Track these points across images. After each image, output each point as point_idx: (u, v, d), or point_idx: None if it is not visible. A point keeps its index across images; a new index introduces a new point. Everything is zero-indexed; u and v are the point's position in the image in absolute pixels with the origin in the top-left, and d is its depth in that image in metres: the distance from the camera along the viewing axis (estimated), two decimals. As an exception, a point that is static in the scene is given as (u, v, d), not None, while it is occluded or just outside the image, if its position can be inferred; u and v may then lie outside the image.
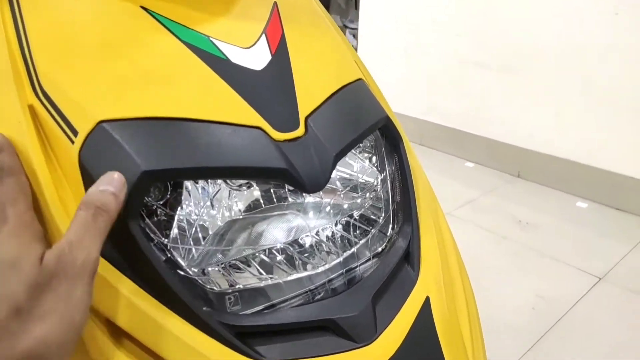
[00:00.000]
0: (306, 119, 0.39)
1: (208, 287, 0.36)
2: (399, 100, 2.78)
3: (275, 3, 0.47)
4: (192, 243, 0.38)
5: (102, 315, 0.33)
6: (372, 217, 0.45)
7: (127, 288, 0.33)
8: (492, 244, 1.89)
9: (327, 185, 0.38)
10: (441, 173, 2.46)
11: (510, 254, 1.83)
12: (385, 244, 0.44)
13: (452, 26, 2.45)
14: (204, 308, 0.34)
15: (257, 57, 0.41)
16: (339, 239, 0.43)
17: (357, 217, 0.45)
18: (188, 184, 0.38)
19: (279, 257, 0.41)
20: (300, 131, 0.38)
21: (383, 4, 2.75)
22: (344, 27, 4.36)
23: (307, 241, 0.43)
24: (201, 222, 0.39)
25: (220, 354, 0.32)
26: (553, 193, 2.24)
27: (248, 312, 0.37)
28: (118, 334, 0.33)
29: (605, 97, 2.00)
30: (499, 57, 2.29)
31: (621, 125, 1.99)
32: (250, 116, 0.37)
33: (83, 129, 0.35)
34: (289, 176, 0.36)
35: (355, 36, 3.94)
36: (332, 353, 0.35)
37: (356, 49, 3.14)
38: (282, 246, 0.41)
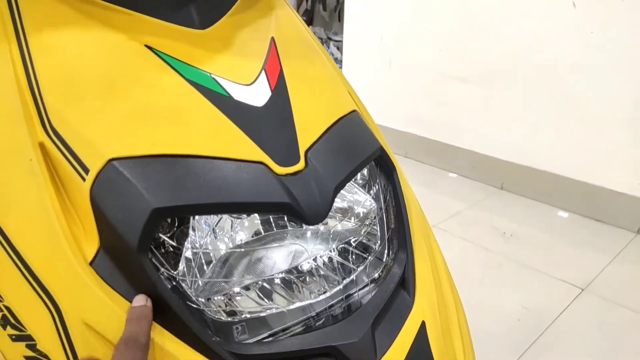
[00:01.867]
0: (306, 152, 0.41)
1: (216, 317, 0.38)
2: (383, 112, 2.82)
3: (272, 38, 0.49)
4: (197, 274, 0.39)
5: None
6: (369, 243, 0.47)
7: (140, 322, 0.34)
8: (477, 256, 1.93)
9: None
10: (426, 186, 2.50)
11: (495, 266, 1.86)
12: (381, 270, 0.45)
13: (434, 41, 2.50)
14: (214, 338, 0.35)
15: (258, 94, 0.42)
16: (338, 265, 0.45)
17: (354, 244, 0.47)
18: (194, 218, 0.39)
19: (279, 283, 0.43)
20: (300, 165, 0.40)
21: (367, 18, 2.80)
22: (328, 40, 4.41)
23: (306, 267, 0.45)
24: (205, 252, 0.41)
25: (230, 383, 0.34)
26: (535, 205, 2.29)
27: (253, 340, 0.38)
28: None
29: (581, 112, 2.06)
30: (480, 71, 2.35)
31: (597, 138, 2.05)
32: (253, 152, 0.39)
33: (94, 167, 0.36)
34: (291, 210, 0.37)
35: (339, 48, 3.99)
36: (335, 379, 0.36)
37: (340, 62, 3.18)
38: (282, 275, 0.43)
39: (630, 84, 1.90)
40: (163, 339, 0.34)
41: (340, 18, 4.39)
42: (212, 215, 0.41)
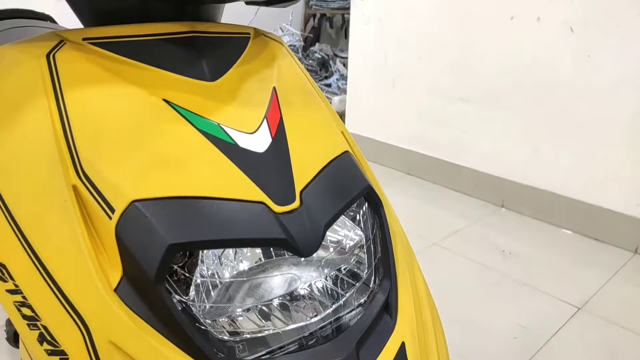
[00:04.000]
0: (301, 192, 0.47)
1: (220, 337, 0.43)
2: (387, 130, 2.89)
3: (274, 88, 0.56)
4: (205, 299, 0.45)
5: None
6: (357, 271, 0.53)
7: (157, 340, 0.40)
8: (476, 273, 1.97)
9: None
10: (428, 203, 2.55)
11: (493, 283, 1.90)
12: (367, 295, 0.51)
13: (437, 62, 2.57)
14: (219, 355, 0.41)
15: (260, 141, 0.49)
16: (329, 291, 0.51)
17: (344, 272, 0.53)
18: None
19: (276, 306, 0.49)
20: (296, 204, 0.46)
21: (371, 39, 2.87)
22: (334, 56, 4.50)
23: (301, 292, 0.50)
24: (212, 280, 0.47)
25: (232, 395, 0.40)
26: (535, 223, 2.34)
27: (253, 357, 0.44)
28: None
29: (580, 133, 2.12)
30: (482, 92, 2.41)
31: (596, 159, 2.10)
32: (255, 193, 0.45)
33: (119, 207, 0.42)
34: (287, 245, 0.44)
35: (345, 65, 4.07)
36: (322, 393, 0.42)
37: (346, 78, 3.26)
38: (279, 299, 0.49)
39: (626, 105, 1.95)
40: (176, 355, 0.40)
41: (346, 35, 4.49)
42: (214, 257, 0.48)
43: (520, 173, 2.37)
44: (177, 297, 0.43)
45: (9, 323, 1.29)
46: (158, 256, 0.40)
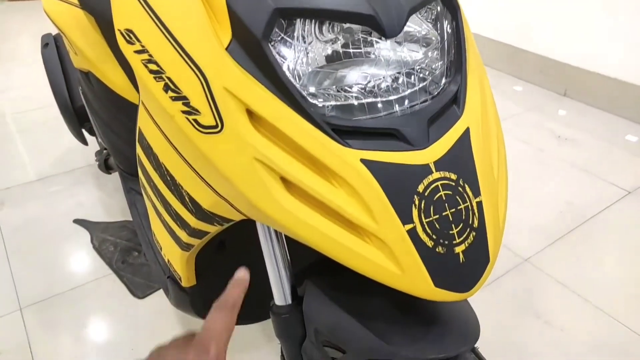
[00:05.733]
0: None
1: (312, 101, 0.51)
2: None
3: None
4: (298, 69, 0.52)
5: (248, 107, 0.48)
6: (430, 69, 0.58)
7: (264, 91, 0.47)
8: (529, 154, 1.99)
9: (398, 39, 0.51)
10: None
11: (546, 164, 1.93)
12: (439, 89, 0.57)
13: None
14: (312, 109, 0.48)
15: None
16: (404, 82, 0.56)
17: (418, 68, 0.58)
18: (299, 25, 0.51)
19: (359, 90, 0.55)
20: None
21: None
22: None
23: (378, 82, 0.56)
24: (301, 61, 0.53)
25: (323, 139, 0.47)
26: (596, 112, 2.28)
27: (338, 117, 0.51)
28: (258, 122, 0.49)
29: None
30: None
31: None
32: None
33: None
34: (374, 21, 0.48)
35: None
36: (395, 150, 0.49)
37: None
38: (359, 84, 0.55)
39: None
40: (278, 103, 0.48)
41: None
42: (307, 36, 0.53)
43: (586, 59, 2.27)
44: (279, 60, 0.49)
45: (98, 153, 1.46)
46: (264, 18, 0.46)
